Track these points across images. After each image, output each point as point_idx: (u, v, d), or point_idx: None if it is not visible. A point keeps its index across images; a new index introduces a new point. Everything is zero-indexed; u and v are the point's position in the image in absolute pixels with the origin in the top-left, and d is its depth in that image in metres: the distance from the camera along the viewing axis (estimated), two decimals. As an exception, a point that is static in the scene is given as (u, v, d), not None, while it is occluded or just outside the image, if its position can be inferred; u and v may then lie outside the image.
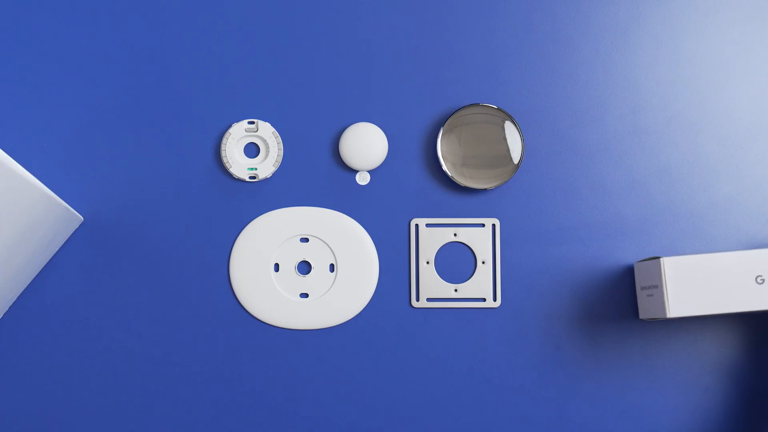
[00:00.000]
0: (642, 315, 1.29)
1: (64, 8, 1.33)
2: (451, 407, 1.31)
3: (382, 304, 1.32)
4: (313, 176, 1.33)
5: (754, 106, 1.34)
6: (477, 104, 1.32)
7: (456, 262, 1.33)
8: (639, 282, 1.29)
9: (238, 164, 1.32)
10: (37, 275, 1.32)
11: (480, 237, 1.33)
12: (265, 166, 1.32)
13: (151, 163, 1.33)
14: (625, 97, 1.34)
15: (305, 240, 1.33)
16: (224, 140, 1.32)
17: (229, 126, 1.33)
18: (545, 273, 1.32)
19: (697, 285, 1.21)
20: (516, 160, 1.32)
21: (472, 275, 1.33)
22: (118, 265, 1.32)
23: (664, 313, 1.21)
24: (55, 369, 1.31)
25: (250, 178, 1.32)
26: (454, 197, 1.33)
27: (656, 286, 1.23)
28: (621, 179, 1.33)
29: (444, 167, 1.31)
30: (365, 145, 1.31)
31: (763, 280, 1.21)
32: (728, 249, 1.32)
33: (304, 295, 1.33)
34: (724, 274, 1.21)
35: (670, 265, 1.21)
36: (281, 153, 1.32)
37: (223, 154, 1.32)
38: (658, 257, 1.23)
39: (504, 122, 1.32)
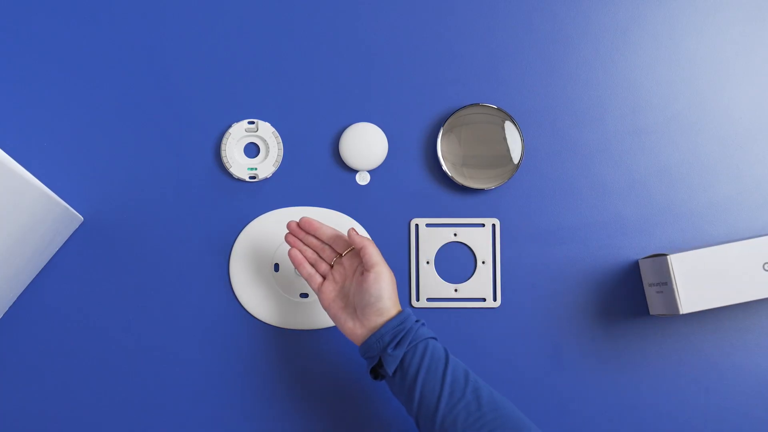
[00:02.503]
0: (652, 311, 1.29)
1: (64, 8, 1.33)
2: (451, 407, 1.31)
3: (382, 304, 1.32)
4: (313, 176, 1.33)
5: (754, 106, 1.34)
6: (477, 104, 1.32)
7: (456, 262, 1.33)
8: (646, 279, 1.29)
9: (238, 164, 1.32)
10: (37, 275, 1.32)
11: (480, 237, 1.33)
12: (265, 166, 1.32)
13: (151, 163, 1.33)
14: (625, 97, 1.34)
15: (305, 240, 1.33)
16: (224, 140, 1.32)
17: (229, 126, 1.33)
18: (545, 273, 1.32)
19: (706, 279, 1.21)
20: (516, 160, 1.32)
21: (472, 275, 1.33)
22: (118, 265, 1.32)
23: (677, 309, 1.21)
24: (55, 368, 1.31)
25: (250, 178, 1.32)
26: (454, 197, 1.33)
27: (665, 283, 1.23)
28: (621, 179, 1.33)
29: (444, 167, 1.31)
30: (365, 145, 1.31)
31: None
32: (728, 249, 1.32)
33: (304, 295, 1.33)
34: (731, 265, 1.22)
35: (677, 262, 1.22)
36: (281, 153, 1.32)
37: (223, 154, 1.32)
38: (664, 254, 1.23)
39: (504, 122, 1.32)
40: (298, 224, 1.24)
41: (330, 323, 1.32)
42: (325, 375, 1.32)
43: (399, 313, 1.18)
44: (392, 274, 1.20)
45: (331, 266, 1.24)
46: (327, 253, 1.24)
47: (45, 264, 1.31)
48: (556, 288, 1.32)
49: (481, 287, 1.33)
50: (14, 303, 1.32)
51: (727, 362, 1.32)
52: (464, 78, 1.33)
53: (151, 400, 1.31)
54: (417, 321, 1.18)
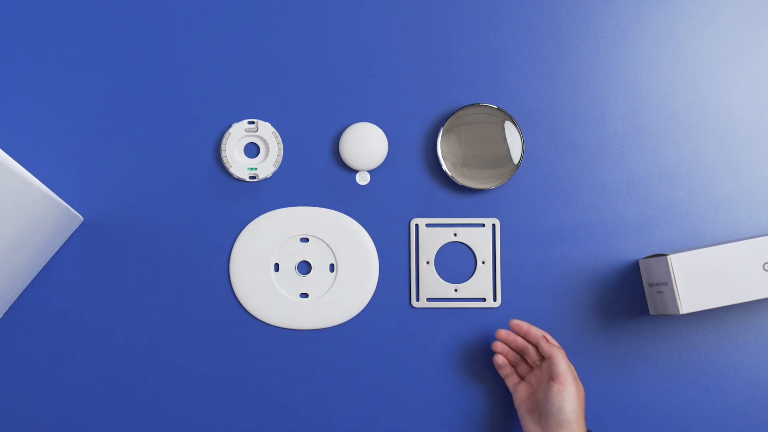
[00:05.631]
0: (652, 311, 1.29)
1: (64, 8, 1.33)
2: (452, 407, 1.31)
3: (382, 304, 1.32)
4: (313, 176, 1.33)
5: (754, 106, 1.34)
6: (477, 104, 1.32)
7: (456, 262, 1.33)
8: (646, 279, 1.29)
9: (238, 164, 1.32)
10: (37, 275, 1.32)
11: (480, 237, 1.33)
12: (265, 166, 1.32)
13: (151, 163, 1.33)
14: (625, 97, 1.34)
15: (305, 240, 1.33)
16: (224, 140, 1.32)
17: (229, 126, 1.33)
18: (545, 273, 1.32)
19: (706, 279, 1.21)
20: (516, 160, 1.32)
21: (472, 275, 1.33)
22: (118, 265, 1.32)
23: (677, 310, 1.21)
24: (55, 368, 1.31)
25: (250, 178, 1.32)
26: (454, 197, 1.33)
27: (665, 283, 1.23)
28: (621, 179, 1.33)
29: (444, 167, 1.31)
30: (365, 145, 1.31)
31: None
32: (728, 249, 1.32)
33: (304, 295, 1.33)
34: (731, 265, 1.22)
35: (677, 262, 1.22)
36: (281, 153, 1.32)
37: (223, 154, 1.32)
38: (664, 254, 1.23)
39: (504, 122, 1.32)
40: (510, 328, 1.26)
41: (330, 323, 1.32)
42: (324, 375, 1.32)
43: None
44: (581, 388, 1.21)
45: (532, 368, 1.26)
46: (531, 355, 1.26)
47: (45, 264, 1.31)
48: (556, 288, 1.32)
49: (481, 287, 1.33)
50: (14, 303, 1.32)
51: (727, 362, 1.32)
52: (464, 78, 1.33)
53: (151, 399, 1.31)
54: None
